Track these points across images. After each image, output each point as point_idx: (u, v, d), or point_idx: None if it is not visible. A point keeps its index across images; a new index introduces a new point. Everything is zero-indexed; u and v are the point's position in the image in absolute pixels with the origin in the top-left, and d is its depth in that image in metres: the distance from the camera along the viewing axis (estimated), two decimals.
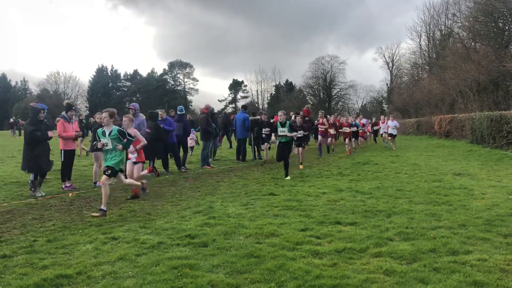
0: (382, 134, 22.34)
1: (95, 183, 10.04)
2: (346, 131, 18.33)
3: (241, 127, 15.48)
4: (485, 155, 16.09)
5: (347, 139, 18.39)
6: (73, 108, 10.11)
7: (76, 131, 9.76)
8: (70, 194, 8.82)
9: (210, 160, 14.58)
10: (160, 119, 12.27)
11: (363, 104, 75.64)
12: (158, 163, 12.28)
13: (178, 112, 13.91)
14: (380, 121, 22.89)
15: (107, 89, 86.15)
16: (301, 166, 13.05)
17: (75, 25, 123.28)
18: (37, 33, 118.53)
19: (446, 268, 4.20)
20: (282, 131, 11.04)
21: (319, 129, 17.48)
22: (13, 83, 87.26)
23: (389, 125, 20.73)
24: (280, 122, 11.19)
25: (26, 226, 6.18)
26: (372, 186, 9.22)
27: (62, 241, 5.34)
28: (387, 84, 71.21)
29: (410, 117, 43.52)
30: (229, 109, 79.21)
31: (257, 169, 13.39)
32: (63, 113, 9.82)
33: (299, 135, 12.55)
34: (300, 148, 13.36)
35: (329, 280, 3.91)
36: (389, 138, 20.70)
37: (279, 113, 11.50)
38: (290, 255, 4.66)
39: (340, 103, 77.72)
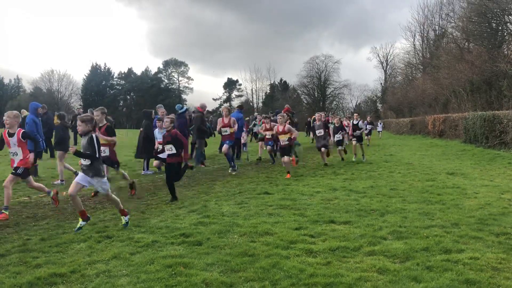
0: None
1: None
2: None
3: None
4: (478, 154, 16.22)
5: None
6: None
7: None
8: (64, 193, 8.77)
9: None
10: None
11: (357, 104, 76.02)
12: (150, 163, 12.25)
13: (179, 111, 13.89)
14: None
15: (101, 88, 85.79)
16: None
17: (69, 23, 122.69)
18: (30, 30, 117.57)
19: (439, 267, 4.23)
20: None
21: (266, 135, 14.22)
22: (6, 81, 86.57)
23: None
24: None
25: (19, 225, 6.15)
26: (366, 185, 9.26)
27: (56, 239, 5.32)
28: (381, 83, 71.76)
29: (404, 116, 43.82)
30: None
31: (251, 168, 13.40)
32: None
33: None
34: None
35: (323, 279, 3.93)
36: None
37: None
38: (284, 253, 4.67)
39: (334, 102, 78.11)
